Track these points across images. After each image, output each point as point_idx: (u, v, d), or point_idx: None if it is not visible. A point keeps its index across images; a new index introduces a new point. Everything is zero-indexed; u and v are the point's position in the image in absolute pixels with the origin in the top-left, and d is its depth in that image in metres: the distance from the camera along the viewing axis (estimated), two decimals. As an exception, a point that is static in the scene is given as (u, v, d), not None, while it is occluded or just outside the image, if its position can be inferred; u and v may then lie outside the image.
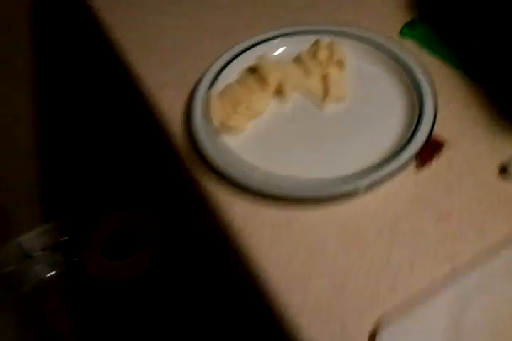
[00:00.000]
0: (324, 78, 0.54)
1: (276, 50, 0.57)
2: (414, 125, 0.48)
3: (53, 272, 1.36)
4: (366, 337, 0.39)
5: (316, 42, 0.56)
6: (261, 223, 0.46)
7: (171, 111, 0.55)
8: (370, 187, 0.45)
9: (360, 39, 0.55)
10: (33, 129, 1.08)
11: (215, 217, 0.48)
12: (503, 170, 0.46)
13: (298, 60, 0.55)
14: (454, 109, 0.51)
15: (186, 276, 1.25)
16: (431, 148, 0.47)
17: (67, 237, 1.36)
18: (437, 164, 0.47)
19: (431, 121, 0.47)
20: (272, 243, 0.44)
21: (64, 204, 1.30)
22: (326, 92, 0.52)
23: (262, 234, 0.45)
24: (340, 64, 0.54)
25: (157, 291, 1.26)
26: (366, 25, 0.58)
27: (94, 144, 1.18)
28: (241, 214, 0.47)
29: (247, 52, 0.55)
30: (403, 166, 0.45)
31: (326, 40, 0.55)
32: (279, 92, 0.53)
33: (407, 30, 0.57)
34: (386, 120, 0.50)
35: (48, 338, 1.25)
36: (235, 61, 0.55)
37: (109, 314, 1.27)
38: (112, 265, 1.27)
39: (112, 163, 1.25)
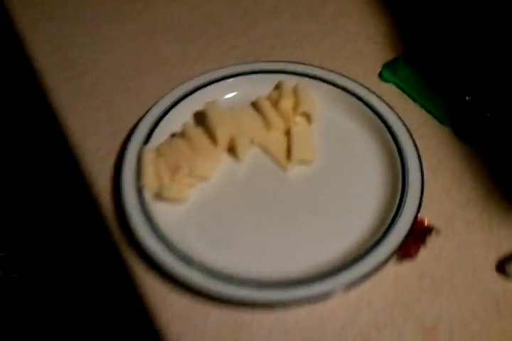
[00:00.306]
0: (287, 133, 0.44)
1: (229, 93, 0.46)
2: (396, 206, 0.38)
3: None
4: None
5: (279, 86, 0.45)
6: (203, 328, 0.36)
7: (98, 166, 0.44)
8: (339, 291, 0.36)
9: (331, 83, 0.45)
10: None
11: (147, 311, 0.39)
12: (501, 267, 0.37)
13: (256, 107, 0.45)
14: (442, 181, 0.42)
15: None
16: (416, 236, 0.38)
17: (5, 253, 1.24)
18: (423, 255, 0.38)
19: (416, 203, 0.38)
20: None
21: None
22: (289, 152, 0.43)
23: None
24: (307, 116, 0.44)
25: (107, 307, 1.17)
26: (340, 63, 0.48)
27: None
28: (178, 314, 0.37)
29: (194, 95, 0.45)
30: (382, 264, 0.36)
31: (290, 83, 0.45)
32: (232, 150, 0.43)
33: (388, 72, 0.47)
34: (361, 191, 0.41)
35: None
36: (178, 107, 0.44)
37: (50, 333, 1.17)
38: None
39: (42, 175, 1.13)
